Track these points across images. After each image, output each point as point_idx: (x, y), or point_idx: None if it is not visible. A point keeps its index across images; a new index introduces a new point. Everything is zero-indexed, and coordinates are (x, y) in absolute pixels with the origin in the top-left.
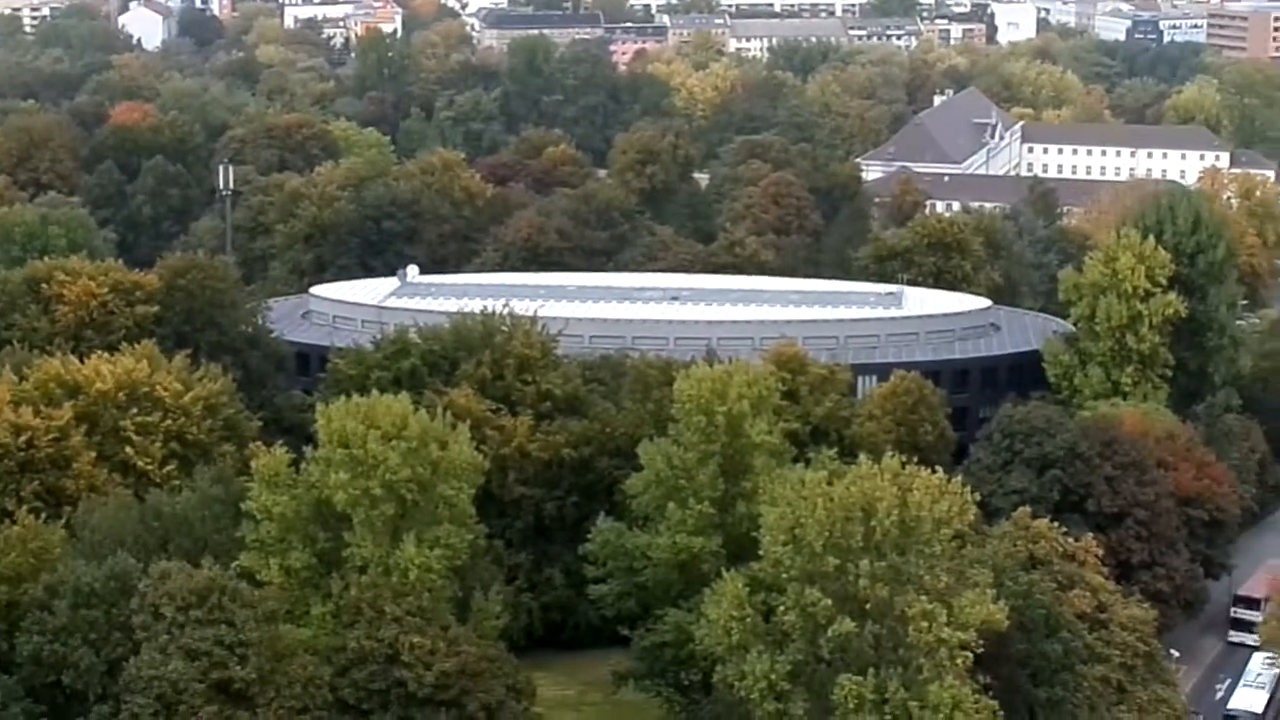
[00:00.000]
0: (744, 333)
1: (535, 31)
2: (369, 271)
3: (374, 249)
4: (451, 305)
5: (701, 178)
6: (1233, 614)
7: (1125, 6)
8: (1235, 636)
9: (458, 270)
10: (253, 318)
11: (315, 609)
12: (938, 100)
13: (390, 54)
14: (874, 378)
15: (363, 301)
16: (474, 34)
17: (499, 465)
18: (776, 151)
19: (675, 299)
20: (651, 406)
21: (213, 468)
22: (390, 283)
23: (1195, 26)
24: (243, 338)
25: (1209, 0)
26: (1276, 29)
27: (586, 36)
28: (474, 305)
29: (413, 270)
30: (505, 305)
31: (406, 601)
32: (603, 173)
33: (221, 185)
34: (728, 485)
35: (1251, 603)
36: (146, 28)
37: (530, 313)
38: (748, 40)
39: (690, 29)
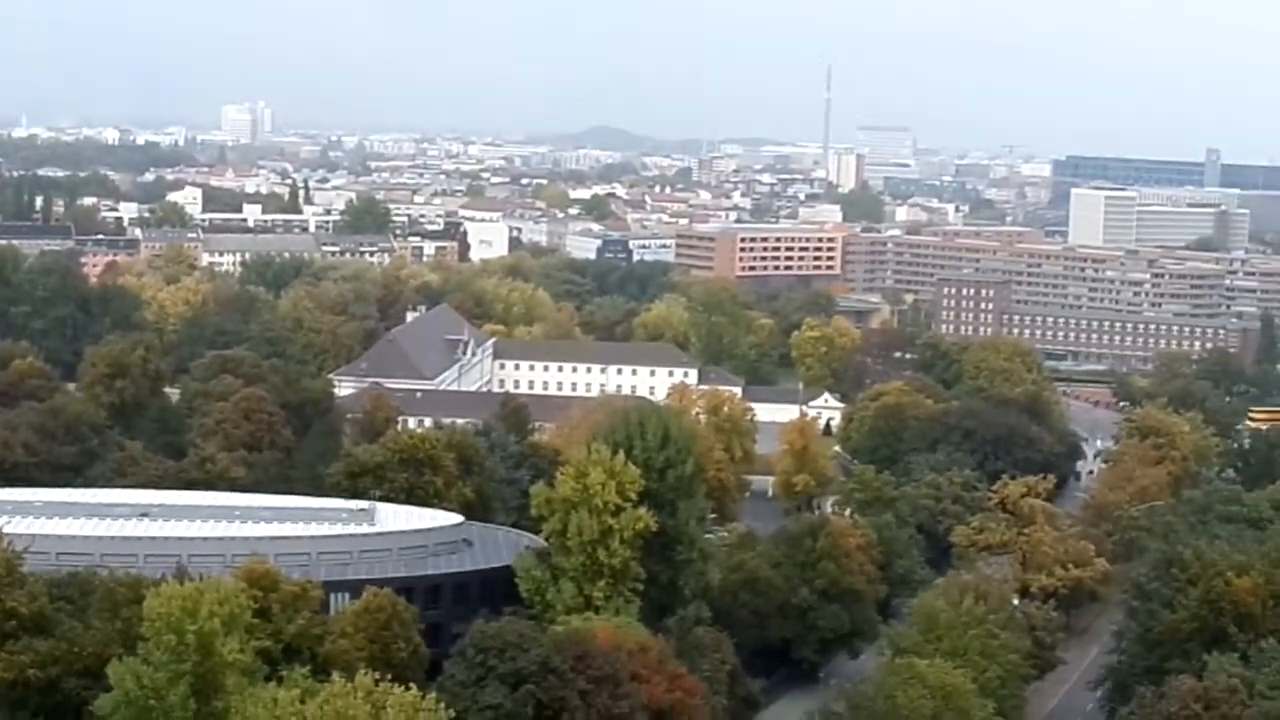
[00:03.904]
0: (215, 550)
1: (4, 242)
2: None
3: None
4: None
5: (173, 392)
6: None
7: (595, 226)
8: None
9: None
10: None
11: None
12: (410, 316)
13: None
14: (347, 594)
15: None
16: None
17: None
18: (248, 367)
19: (145, 515)
20: (121, 625)
21: None
22: None
23: (664, 246)
24: None
25: (677, 221)
26: (742, 249)
27: (57, 248)
28: None
29: None
30: None
31: None
32: (71, 386)
33: None
34: (199, 705)
35: None
36: None
37: None
38: (221, 254)
39: (163, 242)
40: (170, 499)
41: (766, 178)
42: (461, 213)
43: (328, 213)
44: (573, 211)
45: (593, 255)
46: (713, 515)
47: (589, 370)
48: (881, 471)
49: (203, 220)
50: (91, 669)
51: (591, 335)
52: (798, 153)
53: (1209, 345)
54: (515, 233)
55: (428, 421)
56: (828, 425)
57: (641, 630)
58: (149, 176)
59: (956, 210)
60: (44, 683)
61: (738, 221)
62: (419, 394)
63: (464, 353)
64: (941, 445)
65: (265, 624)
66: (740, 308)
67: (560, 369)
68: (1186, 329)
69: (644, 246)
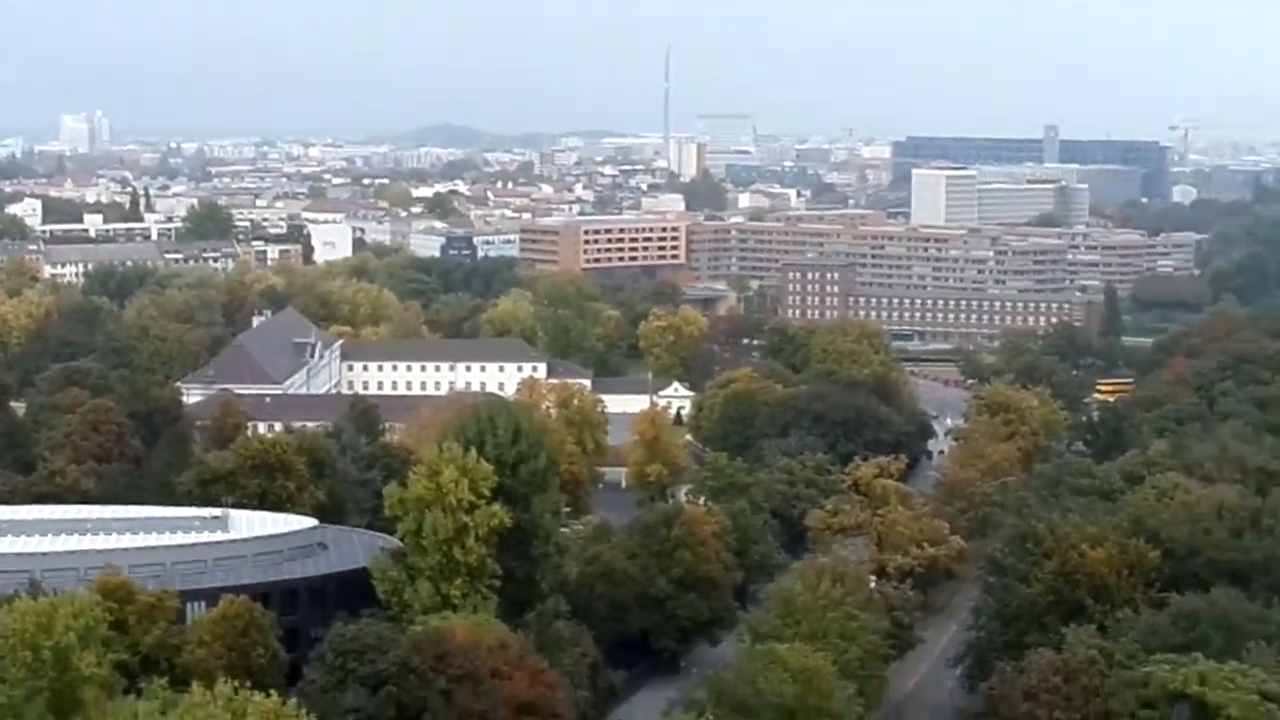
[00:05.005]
0: (68, 563)
1: None
2: None
3: None
4: None
5: (19, 406)
6: None
7: (439, 224)
8: None
9: None
10: None
11: None
12: (256, 321)
13: None
14: (203, 603)
15: None
16: None
17: None
18: (95, 378)
19: None
20: None
21: None
22: None
23: (508, 242)
24: None
25: (520, 216)
26: (586, 242)
27: None
28: None
29: None
30: None
31: None
32: None
33: None
34: None
35: None
36: None
37: None
38: (63, 266)
39: (3, 255)
40: (20, 514)
41: (608, 169)
42: (304, 215)
43: (169, 220)
44: (416, 210)
45: (437, 253)
46: (567, 508)
47: (438, 368)
48: (734, 458)
49: (43, 232)
50: None
51: (439, 333)
52: (639, 143)
53: (1054, 320)
54: (359, 233)
55: (278, 426)
56: (678, 414)
57: (500, 627)
58: None
59: (799, 195)
60: None
61: (581, 214)
62: (268, 399)
63: (312, 355)
64: (792, 430)
65: (122, 636)
66: (586, 300)
67: (409, 368)
68: (1031, 305)
69: (488, 243)
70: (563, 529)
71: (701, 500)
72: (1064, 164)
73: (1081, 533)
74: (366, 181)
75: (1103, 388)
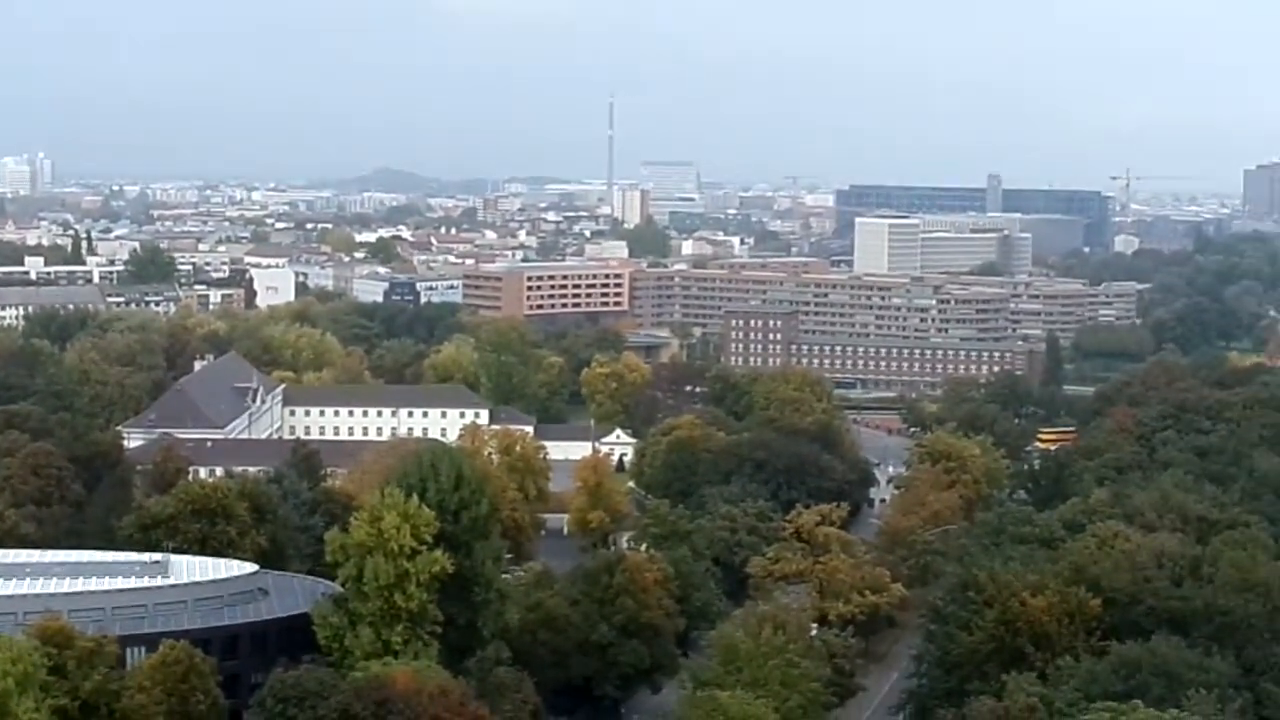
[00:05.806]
0: (6, 608)
1: None
2: None
3: None
4: None
5: None
6: None
7: (382, 270)
8: None
9: None
10: None
11: None
12: (198, 365)
13: None
14: (143, 648)
15: None
16: None
17: None
18: (35, 421)
19: None
20: None
21: None
22: None
23: (451, 288)
24: None
25: (464, 262)
26: (529, 288)
27: None
28: None
29: None
30: None
31: None
32: None
33: None
34: None
35: None
36: None
37: None
38: (3, 308)
39: None
40: None
41: (552, 216)
42: (247, 259)
43: (111, 263)
44: (359, 255)
45: (380, 298)
46: (509, 555)
47: (380, 414)
48: (676, 505)
49: None
50: None
51: (381, 379)
52: (582, 190)
53: (996, 369)
54: (301, 278)
55: (219, 471)
56: (621, 461)
57: (441, 673)
58: None
59: (742, 243)
60: None
61: (524, 260)
62: (209, 443)
63: (254, 400)
64: (735, 477)
65: (61, 682)
66: (529, 346)
67: (351, 414)
68: (974, 353)
69: (431, 288)
70: (504, 575)
71: (643, 547)
72: (1007, 213)
73: (1022, 581)
74: (309, 226)
75: (1044, 436)
